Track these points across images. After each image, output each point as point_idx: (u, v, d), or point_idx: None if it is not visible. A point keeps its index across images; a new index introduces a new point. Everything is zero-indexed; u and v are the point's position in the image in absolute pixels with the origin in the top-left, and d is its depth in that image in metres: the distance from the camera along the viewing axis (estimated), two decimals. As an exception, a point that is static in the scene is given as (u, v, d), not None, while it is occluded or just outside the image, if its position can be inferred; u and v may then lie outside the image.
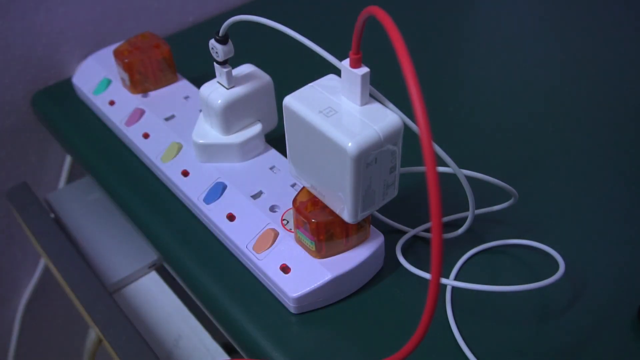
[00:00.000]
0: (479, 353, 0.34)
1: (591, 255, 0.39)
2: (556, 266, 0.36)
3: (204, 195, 0.41)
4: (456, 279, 0.38)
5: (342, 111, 0.31)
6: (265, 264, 0.36)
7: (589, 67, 0.55)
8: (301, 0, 0.65)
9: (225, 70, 0.40)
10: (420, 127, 0.22)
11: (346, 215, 0.33)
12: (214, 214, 0.40)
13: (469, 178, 0.35)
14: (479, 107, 0.51)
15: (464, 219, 0.39)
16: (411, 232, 0.40)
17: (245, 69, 0.43)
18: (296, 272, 0.36)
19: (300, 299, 0.35)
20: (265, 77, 0.42)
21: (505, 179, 0.38)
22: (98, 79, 0.51)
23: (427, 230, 0.41)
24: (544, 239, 0.39)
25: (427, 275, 0.36)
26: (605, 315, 0.36)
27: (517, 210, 0.41)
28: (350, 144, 0.30)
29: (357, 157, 0.30)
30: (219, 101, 0.40)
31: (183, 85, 0.50)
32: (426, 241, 0.40)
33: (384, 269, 0.39)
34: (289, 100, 0.33)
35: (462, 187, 0.35)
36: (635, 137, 0.47)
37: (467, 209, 0.37)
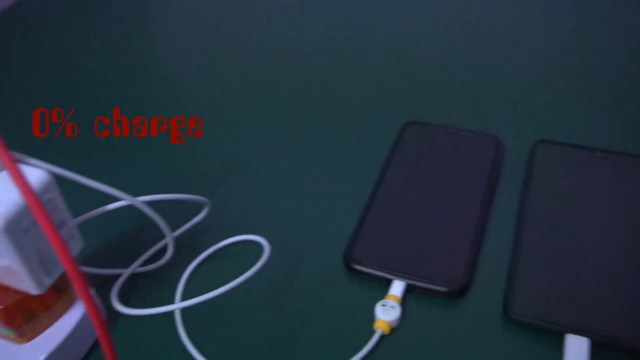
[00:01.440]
0: (222, 361, 0.35)
1: (294, 233, 0.42)
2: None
3: None
4: (184, 299, 0.38)
5: (-19, 185, 0.29)
6: (-32, 375, 0.32)
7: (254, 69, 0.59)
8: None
9: None
10: (16, 183, 0.21)
11: (31, 287, 0.31)
12: None
13: (156, 203, 0.35)
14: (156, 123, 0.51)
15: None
16: (125, 272, 0.38)
17: None
18: (5, 367, 0.32)
19: (18, 394, 0.32)
20: None
21: (201, 191, 0.39)
22: None
23: (143, 265, 0.40)
24: (251, 231, 0.41)
25: (152, 311, 0.35)
26: (321, 276, 0.39)
27: (218, 214, 0.43)
28: (-6, 217, 0.27)
29: (7, 229, 0.28)
30: None
31: None
32: (145, 276, 0.39)
33: (110, 320, 0.37)
34: None
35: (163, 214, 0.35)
36: (317, 125, 0.52)
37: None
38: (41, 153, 0.50)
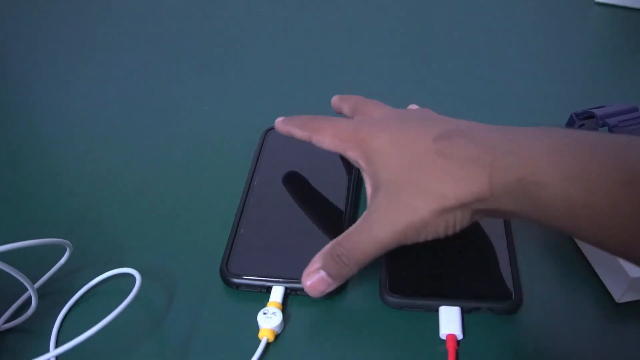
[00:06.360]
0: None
1: (166, 258, 0.41)
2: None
3: None
4: (60, 346, 0.36)
5: None
6: None
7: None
8: None
9: None
10: None
11: None
12: None
13: (12, 252, 0.33)
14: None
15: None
16: (-10, 331, 0.36)
17: None
18: None
19: None
20: None
21: (62, 234, 0.37)
22: None
23: (8, 321, 0.38)
24: (120, 265, 0.40)
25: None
26: (201, 295, 0.38)
27: (84, 253, 0.41)
28: None
29: None
30: None
31: None
32: (14, 332, 0.37)
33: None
34: None
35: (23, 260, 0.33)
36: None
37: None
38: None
